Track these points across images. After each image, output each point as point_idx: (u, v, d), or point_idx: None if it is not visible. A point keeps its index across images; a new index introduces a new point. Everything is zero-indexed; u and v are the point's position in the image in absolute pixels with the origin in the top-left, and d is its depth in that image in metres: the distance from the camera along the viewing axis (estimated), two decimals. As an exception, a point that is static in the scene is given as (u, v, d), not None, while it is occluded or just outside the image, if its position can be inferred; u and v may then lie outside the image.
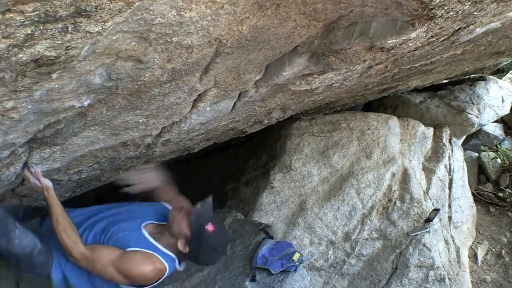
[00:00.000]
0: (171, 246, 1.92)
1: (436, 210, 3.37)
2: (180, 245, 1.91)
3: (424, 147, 3.93)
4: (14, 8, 0.85)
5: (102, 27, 1.03)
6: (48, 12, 0.90)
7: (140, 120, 1.93)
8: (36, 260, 1.94)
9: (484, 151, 4.80)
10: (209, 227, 1.88)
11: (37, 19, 0.91)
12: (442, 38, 1.82)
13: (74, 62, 1.15)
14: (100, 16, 0.99)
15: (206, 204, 1.93)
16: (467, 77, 4.97)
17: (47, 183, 2.00)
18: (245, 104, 2.32)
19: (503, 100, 4.91)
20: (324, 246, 3.31)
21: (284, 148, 3.86)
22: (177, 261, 1.96)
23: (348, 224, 3.38)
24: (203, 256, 1.91)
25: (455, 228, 3.56)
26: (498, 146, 4.87)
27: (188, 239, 1.89)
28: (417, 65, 2.53)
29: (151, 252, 1.90)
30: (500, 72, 5.28)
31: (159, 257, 1.90)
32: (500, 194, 4.32)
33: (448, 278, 3.10)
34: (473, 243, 3.90)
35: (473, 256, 3.81)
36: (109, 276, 1.87)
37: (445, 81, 4.83)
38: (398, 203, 3.43)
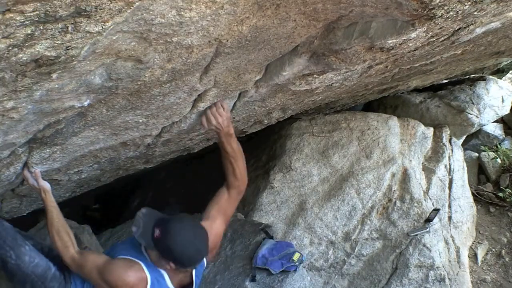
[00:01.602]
0: (160, 263, 1.82)
1: (436, 210, 3.37)
2: (163, 264, 1.80)
3: (424, 147, 3.93)
4: (14, 8, 0.85)
5: (102, 27, 1.03)
6: (48, 12, 0.90)
7: (140, 120, 1.93)
8: (50, 284, 1.91)
9: (484, 151, 4.80)
10: (157, 233, 1.73)
11: (37, 19, 0.91)
12: (442, 38, 1.82)
13: (74, 62, 1.15)
14: (100, 16, 0.99)
15: (139, 218, 1.79)
16: (467, 77, 4.97)
17: (45, 185, 2.00)
18: (245, 104, 2.32)
19: (503, 100, 4.91)
20: (324, 246, 3.31)
21: (284, 148, 3.86)
22: (167, 277, 1.85)
23: (348, 224, 3.38)
24: (182, 256, 1.74)
25: (455, 228, 3.56)
26: (498, 146, 4.87)
27: (161, 256, 1.77)
28: (417, 65, 2.53)
29: (136, 260, 1.83)
30: (500, 72, 5.27)
31: (143, 266, 1.81)
32: (500, 194, 4.32)
33: (448, 278, 3.10)
34: (473, 243, 3.90)
35: (473, 256, 3.80)
36: (94, 281, 1.85)
37: (445, 81, 4.83)
38: (398, 203, 3.43)
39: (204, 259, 1.97)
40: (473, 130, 4.71)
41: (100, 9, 0.96)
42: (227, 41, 1.43)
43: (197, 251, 1.79)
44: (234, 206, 2.14)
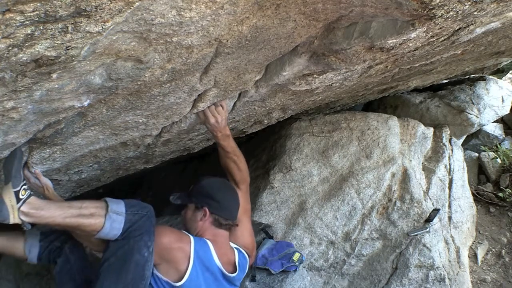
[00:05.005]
0: (196, 219, 1.99)
1: (436, 210, 3.37)
2: (200, 216, 1.97)
3: (424, 147, 3.93)
4: (14, 8, 0.85)
5: (102, 27, 1.03)
6: (48, 12, 0.90)
7: (140, 120, 1.93)
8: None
9: (484, 151, 4.80)
10: (191, 188, 2.02)
11: (37, 19, 0.91)
12: (442, 38, 1.82)
13: (74, 62, 1.15)
14: (100, 16, 0.99)
15: (174, 193, 2.05)
16: (467, 77, 4.97)
17: (47, 182, 2.02)
18: (245, 104, 2.32)
19: (503, 100, 4.91)
20: (324, 246, 3.31)
21: (284, 148, 3.85)
22: (211, 246, 1.94)
23: (348, 224, 3.38)
24: (215, 193, 1.99)
25: (455, 228, 3.56)
26: (498, 146, 4.87)
27: (196, 207, 1.99)
28: (417, 65, 2.53)
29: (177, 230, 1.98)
30: (500, 72, 5.27)
31: (184, 232, 1.95)
32: (500, 194, 4.32)
33: (448, 278, 3.10)
34: (473, 243, 3.90)
35: (473, 256, 3.80)
36: None
37: (445, 81, 4.83)
38: (398, 203, 3.43)
39: (247, 256, 2.11)
40: (473, 130, 4.70)
41: (100, 9, 0.96)
42: (227, 41, 1.44)
43: (232, 196, 2.05)
44: (249, 198, 2.27)
